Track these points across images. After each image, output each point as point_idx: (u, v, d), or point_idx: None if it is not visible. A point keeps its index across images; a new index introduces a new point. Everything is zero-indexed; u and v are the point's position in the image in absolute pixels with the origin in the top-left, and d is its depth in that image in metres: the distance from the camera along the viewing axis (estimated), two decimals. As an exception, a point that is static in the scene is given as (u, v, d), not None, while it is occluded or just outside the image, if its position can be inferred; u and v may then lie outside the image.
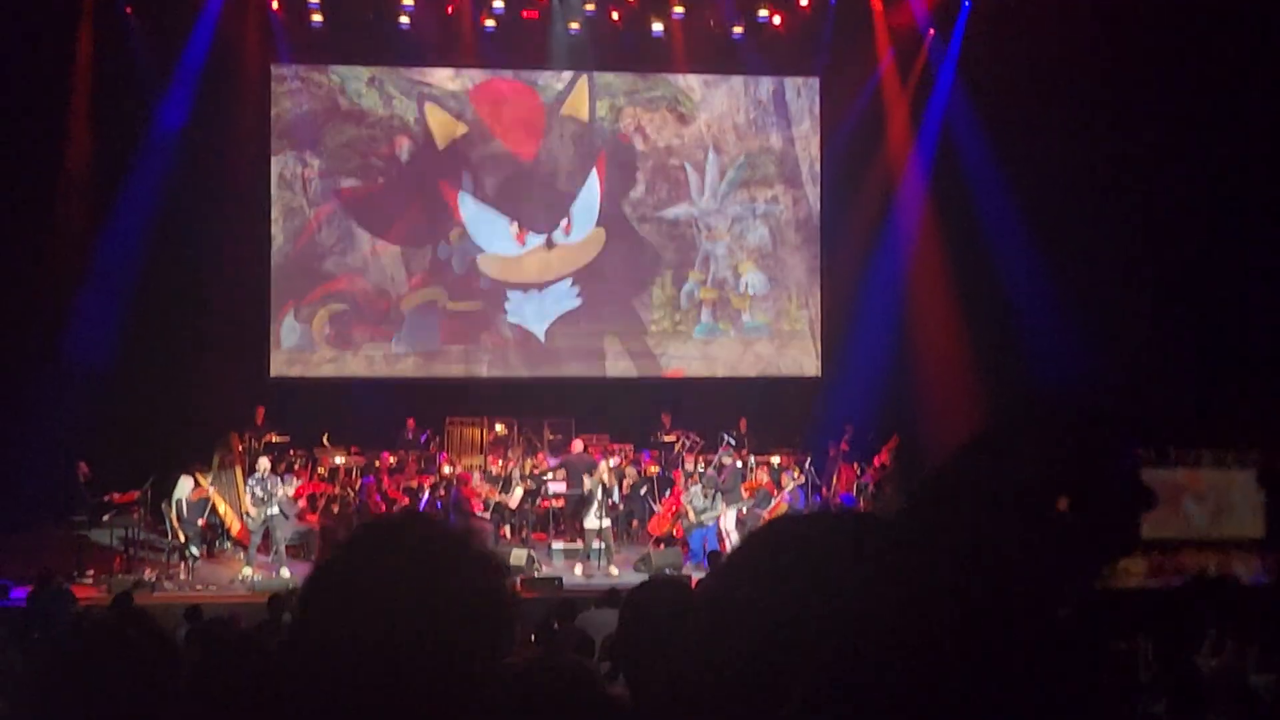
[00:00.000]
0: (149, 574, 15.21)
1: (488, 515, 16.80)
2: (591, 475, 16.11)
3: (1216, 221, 17.86)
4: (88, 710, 2.38)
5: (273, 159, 19.82)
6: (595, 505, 15.96)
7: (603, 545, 15.97)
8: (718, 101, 20.80)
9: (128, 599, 11.88)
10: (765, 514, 17.15)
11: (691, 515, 16.47)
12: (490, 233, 20.23)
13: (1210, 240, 17.91)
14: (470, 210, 20.25)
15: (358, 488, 17.29)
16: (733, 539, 16.38)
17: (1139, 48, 17.74)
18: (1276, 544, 0.83)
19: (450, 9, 19.52)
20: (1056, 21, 18.41)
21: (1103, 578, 0.83)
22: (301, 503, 16.75)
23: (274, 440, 17.79)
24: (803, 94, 20.92)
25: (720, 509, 16.52)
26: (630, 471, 17.80)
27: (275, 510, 15.55)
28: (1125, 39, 17.79)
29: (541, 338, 20.26)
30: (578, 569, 15.76)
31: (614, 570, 15.72)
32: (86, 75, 18.49)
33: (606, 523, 16.07)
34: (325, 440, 18.03)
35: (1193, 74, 17.53)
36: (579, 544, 16.21)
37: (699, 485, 16.74)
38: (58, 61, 18.12)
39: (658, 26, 19.93)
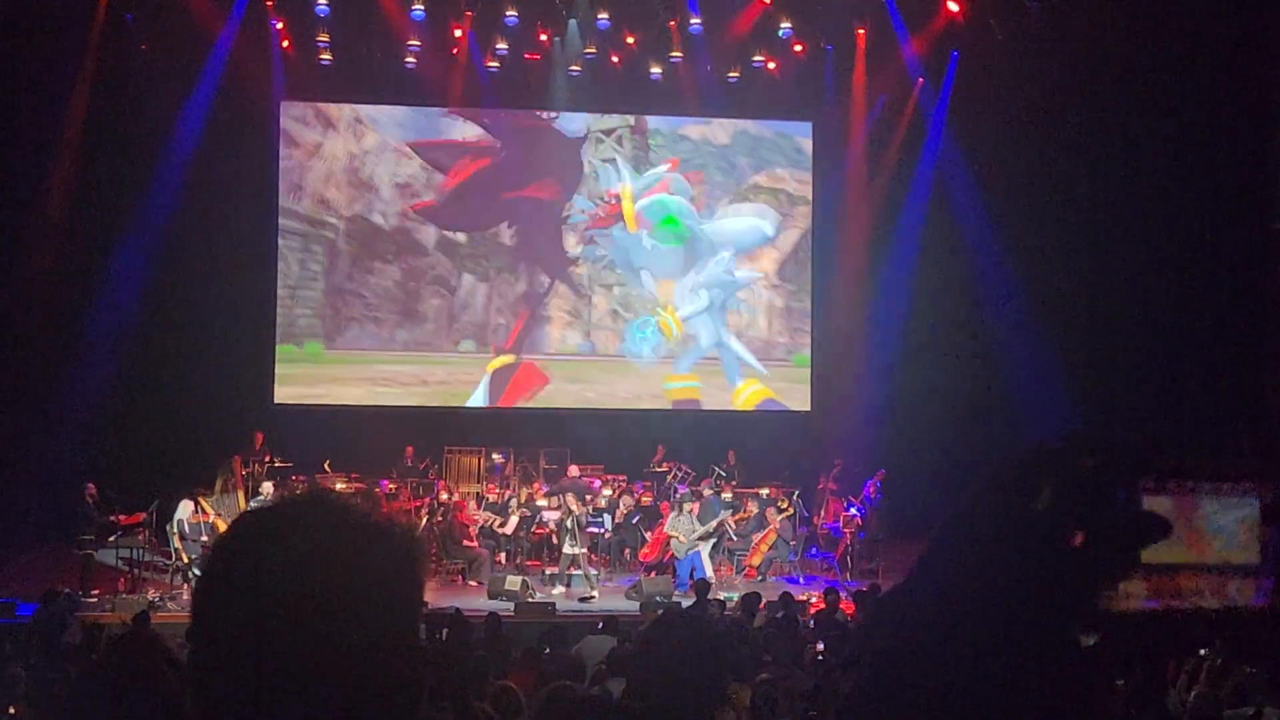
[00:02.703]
0: (152, 594, 15.30)
1: (480, 540, 17.23)
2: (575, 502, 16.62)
3: (1214, 257, 18.08)
4: None
5: (280, 190, 20.29)
6: (566, 532, 16.39)
7: (579, 572, 16.32)
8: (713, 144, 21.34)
9: (145, 620, 12.15)
10: (753, 545, 17.54)
11: (682, 538, 16.79)
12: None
13: (1204, 275, 18.17)
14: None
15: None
16: (708, 570, 16.71)
17: (1122, 92, 18.14)
18: (1273, 569, 0.85)
19: (455, 50, 19.98)
20: (1044, 70, 18.89)
21: (1105, 600, 0.84)
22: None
23: (277, 465, 18.04)
24: (796, 137, 21.40)
25: (702, 529, 16.86)
26: (626, 501, 18.16)
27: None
28: (1109, 83, 18.18)
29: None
30: (557, 591, 16.17)
31: (594, 593, 16.03)
32: (97, 105, 18.74)
33: (580, 549, 16.40)
34: (327, 467, 18.31)
35: (1172, 110, 17.90)
36: (571, 570, 16.57)
37: (676, 511, 17.05)
38: (70, 93, 18.45)
39: (656, 70, 20.40)
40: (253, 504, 16.59)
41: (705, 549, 16.94)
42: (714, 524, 17.05)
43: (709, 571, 16.53)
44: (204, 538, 16.26)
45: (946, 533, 0.92)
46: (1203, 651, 8.70)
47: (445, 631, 10.99)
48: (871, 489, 18.15)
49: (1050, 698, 0.86)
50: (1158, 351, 18.44)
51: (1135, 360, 18.71)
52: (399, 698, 1.25)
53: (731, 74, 20.63)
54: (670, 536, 16.90)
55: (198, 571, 15.81)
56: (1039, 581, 0.86)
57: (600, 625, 12.21)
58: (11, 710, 7.06)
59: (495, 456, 19.60)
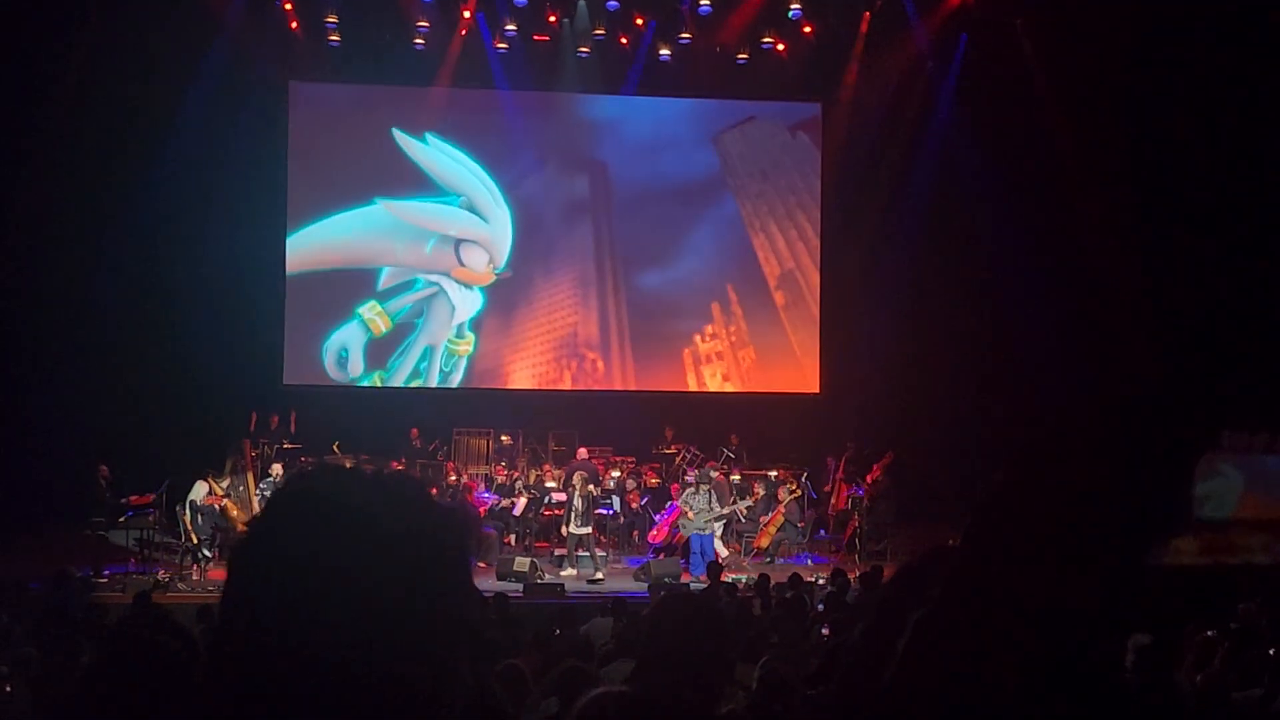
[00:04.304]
0: (162, 575, 15.36)
1: (489, 521, 17.28)
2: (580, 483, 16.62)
3: (1238, 211, 17.88)
4: (114, 703, 2.46)
5: (289, 174, 20.30)
6: (574, 513, 16.37)
7: (586, 553, 16.29)
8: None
9: (146, 598, 12.23)
10: (761, 526, 17.57)
11: (691, 515, 16.69)
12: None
13: (1223, 245, 17.99)
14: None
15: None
16: (721, 552, 16.72)
17: (1135, 73, 18.05)
18: None
19: (464, 31, 19.93)
20: (1052, 50, 18.83)
21: (1157, 556, 0.86)
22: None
23: (287, 446, 18.09)
24: (805, 119, 21.36)
25: (718, 509, 16.85)
26: (631, 483, 18.20)
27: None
28: (1122, 66, 18.10)
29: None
30: (567, 572, 16.13)
31: (600, 575, 16.03)
32: (103, 85, 18.59)
33: (586, 530, 16.37)
34: (336, 448, 18.34)
35: (1178, 84, 17.79)
36: (579, 552, 16.59)
37: (692, 488, 17.00)
38: (73, 74, 18.43)
39: (665, 52, 20.33)
40: (263, 483, 16.67)
41: (718, 530, 16.92)
42: (727, 509, 17.03)
43: (722, 552, 16.51)
44: (213, 519, 16.33)
45: (1006, 490, 0.93)
46: (1210, 632, 8.69)
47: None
48: (879, 472, 18.15)
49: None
50: (1176, 330, 18.23)
51: (1152, 340, 18.53)
52: (438, 675, 1.23)
53: (740, 55, 20.58)
54: (682, 512, 16.89)
55: (207, 553, 15.95)
56: (1100, 536, 0.87)
57: (610, 606, 12.22)
58: (8, 689, 7.06)
59: (504, 438, 19.64)
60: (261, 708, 1.19)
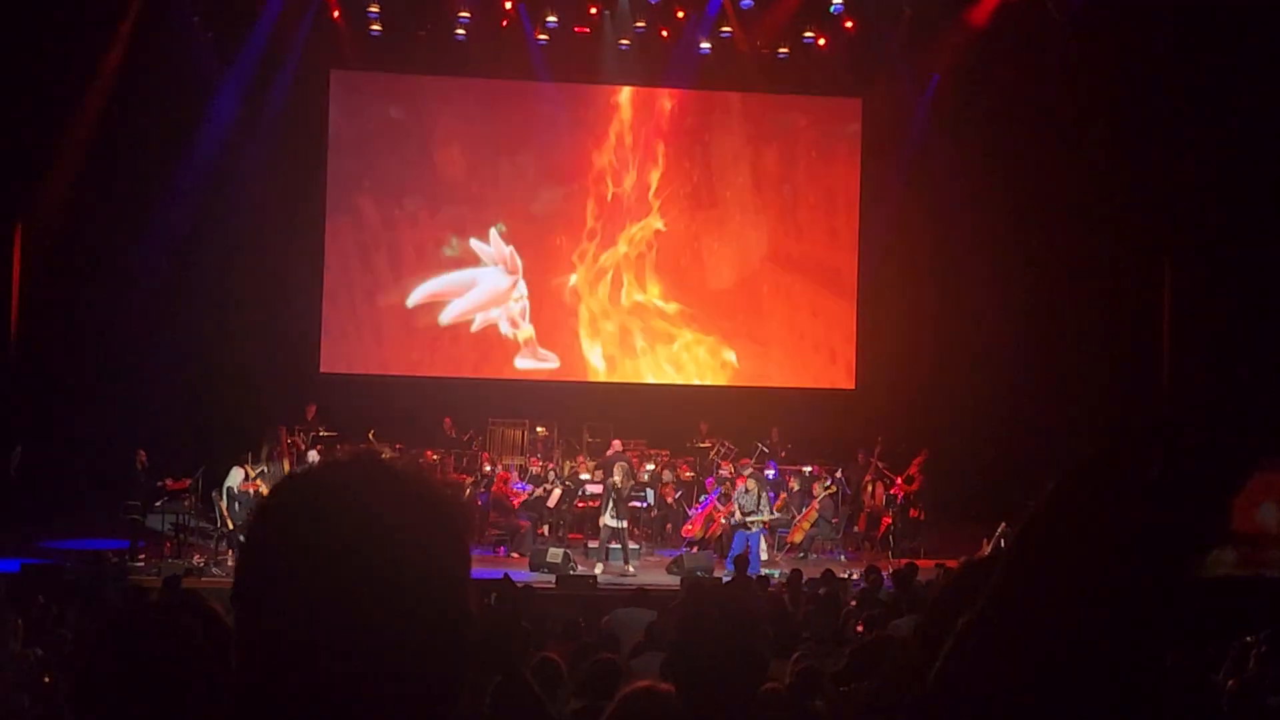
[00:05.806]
0: (197, 559, 15.47)
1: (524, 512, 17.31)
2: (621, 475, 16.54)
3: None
4: (143, 686, 2.43)
5: (329, 161, 20.37)
6: (610, 505, 16.28)
7: (619, 545, 16.20)
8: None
9: (176, 583, 12.28)
10: (795, 522, 17.49)
11: (739, 515, 16.49)
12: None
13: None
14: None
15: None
16: (763, 555, 16.60)
17: (1182, 69, 17.81)
18: None
19: (505, 23, 19.94)
20: (1096, 45, 18.65)
21: (1197, 568, 0.86)
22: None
23: (322, 434, 18.17)
24: (847, 111, 21.26)
25: (765, 514, 16.76)
26: (667, 475, 18.17)
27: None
28: (1159, 53, 17.86)
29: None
30: (598, 568, 16.01)
31: (630, 569, 15.94)
32: (140, 71, 18.62)
33: (622, 523, 16.25)
34: (371, 436, 18.40)
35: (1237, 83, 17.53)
36: (611, 544, 16.52)
37: (744, 486, 16.77)
38: (115, 62, 18.50)
39: (706, 45, 20.30)
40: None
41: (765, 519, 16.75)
42: (767, 512, 16.83)
43: (763, 556, 16.38)
44: (249, 505, 16.39)
45: (1054, 500, 0.94)
46: (1249, 638, 8.59)
47: (494, 596, 11.00)
48: (915, 470, 18.07)
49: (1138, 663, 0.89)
50: (1232, 333, 17.95)
51: (1205, 341, 18.23)
52: (445, 662, 1.24)
53: (781, 50, 20.50)
54: (730, 510, 16.75)
55: (243, 538, 15.98)
56: (1145, 545, 0.87)
57: (636, 596, 12.18)
58: (46, 679, 7.09)
59: (539, 429, 19.67)
60: (283, 688, 1.21)
